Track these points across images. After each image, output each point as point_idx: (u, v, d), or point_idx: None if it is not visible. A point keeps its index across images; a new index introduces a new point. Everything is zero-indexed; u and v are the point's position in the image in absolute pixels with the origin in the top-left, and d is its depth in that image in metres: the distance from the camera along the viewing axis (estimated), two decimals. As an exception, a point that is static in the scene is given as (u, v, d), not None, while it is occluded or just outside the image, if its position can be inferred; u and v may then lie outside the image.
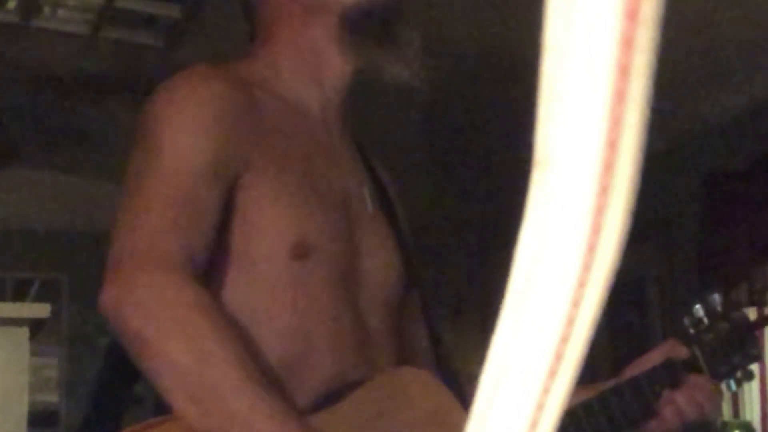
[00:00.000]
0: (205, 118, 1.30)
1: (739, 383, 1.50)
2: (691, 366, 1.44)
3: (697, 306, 1.49)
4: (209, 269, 1.27)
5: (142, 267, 1.20)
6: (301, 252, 1.31)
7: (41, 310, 2.53)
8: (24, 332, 2.45)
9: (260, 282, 1.31)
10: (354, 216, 1.40)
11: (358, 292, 1.38)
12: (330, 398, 1.29)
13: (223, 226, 1.29)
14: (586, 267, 0.30)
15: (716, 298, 1.50)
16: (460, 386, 1.41)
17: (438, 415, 1.34)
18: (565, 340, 0.30)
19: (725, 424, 3.05)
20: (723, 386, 1.50)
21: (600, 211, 0.29)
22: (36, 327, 2.51)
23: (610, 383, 1.41)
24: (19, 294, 5.37)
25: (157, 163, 1.27)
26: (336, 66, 1.42)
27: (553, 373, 0.31)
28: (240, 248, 1.30)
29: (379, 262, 1.41)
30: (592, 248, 0.29)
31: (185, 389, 1.16)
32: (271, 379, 1.23)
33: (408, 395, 1.33)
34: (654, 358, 1.43)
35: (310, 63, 1.42)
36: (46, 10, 3.47)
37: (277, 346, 1.29)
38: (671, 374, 1.41)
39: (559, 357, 0.30)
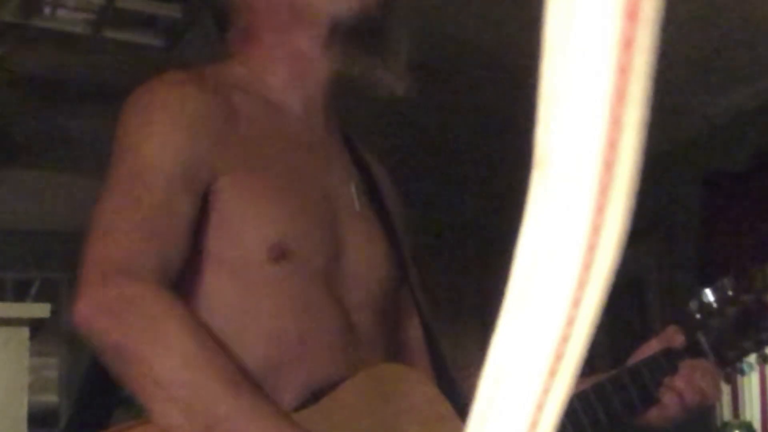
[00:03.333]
0: (175, 124, 1.29)
1: (751, 367, 1.47)
2: (694, 352, 1.41)
3: (707, 290, 1.45)
4: (187, 274, 1.26)
5: (115, 278, 1.19)
6: (279, 254, 1.30)
7: (41, 310, 2.53)
8: (24, 332, 2.45)
9: (239, 285, 1.30)
10: (339, 215, 1.39)
11: (344, 291, 1.37)
12: (315, 398, 1.29)
13: (201, 230, 1.28)
14: (586, 267, 0.30)
15: (727, 281, 1.46)
16: (455, 383, 1.41)
17: (420, 410, 1.33)
18: (565, 340, 0.30)
19: (725, 424, 3.04)
20: (736, 370, 1.47)
21: (600, 211, 0.29)
22: (36, 327, 2.51)
23: (609, 373, 1.40)
24: (19, 294, 5.36)
25: (129, 170, 1.26)
26: (321, 68, 1.41)
27: (553, 373, 0.31)
28: (218, 252, 1.30)
29: (366, 261, 1.40)
30: (592, 248, 0.29)
31: (167, 396, 1.15)
32: (253, 381, 1.23)
33: (389, 391, 1.33)
34: (653, 346, 1.42)
35: (294, 65, 1.41)
36: (46, 10, 3.47)
37: (258, 348, 1.29)
38: (671, 361, 1.40)
39: (559, 357, 0.30)
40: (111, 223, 1.24)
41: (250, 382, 1.20)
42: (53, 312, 2.53)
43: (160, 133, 1.28)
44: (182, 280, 1.25)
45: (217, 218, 1.29)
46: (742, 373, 1.48)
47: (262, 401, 1.18)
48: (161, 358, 1.15)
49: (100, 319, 1.17)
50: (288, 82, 1.41)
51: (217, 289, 1.30)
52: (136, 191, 1.25)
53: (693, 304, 1.45)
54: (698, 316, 1.44)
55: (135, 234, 1.22)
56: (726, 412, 3.67)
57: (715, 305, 1.44)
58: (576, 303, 0.30)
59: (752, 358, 1.48)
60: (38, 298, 5.23)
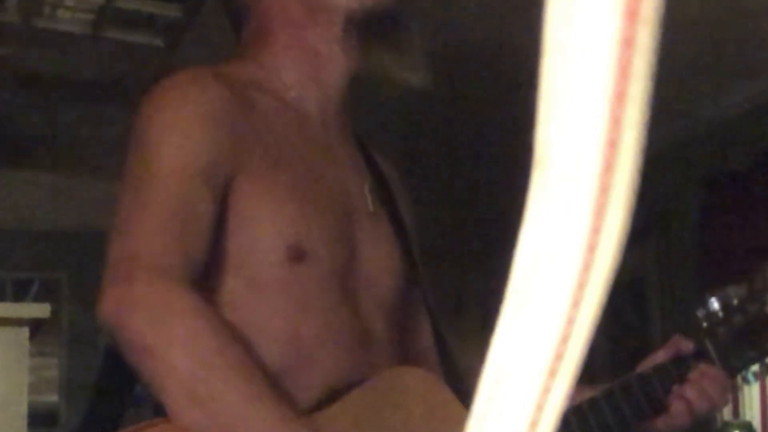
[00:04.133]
0: (195, 122, 1.29)
1: (757, 377, 1.47)
2: (702, 360, 1.41)
3: (713, 299, 1.46)
4: (205, 273, 1.26)
5: (140, 275, 1.19)
6: (297, 254, 1.30)
7: (41, 310, 2.53)
8: (24, 332, 2.45)
9: (256, 285, 1.30)
10: (353, 216, 1.39)
11: (358, 292, 1.37)
12: (330, 399, 1.29)
13: (218, 229, 1.28)
14: (586, 267, 0.30)
15: (732, 291, 1.46)
16: (464, 384, 1.41)
17: (436, 414, 1.33)
18: (565, 340, 0.30)
19: (725, 424, 3.04)
20: (740, 380, 1.48)
21: (600, 211, 0.29)
22: (36, 327, 2.51)
23: (618, 380, 1.41)
24: (19, 294, 5.36)
25: (151, 168, 1.26)
26: (337, 66, 1.41)
27: (553, 373, 0.31)
28: (235, 251, 1.29)
29: (379, 262, 1.40)
30: (592, 248, 0.29)
31: (188, 394, 1.15)
32: (271, 382, 1.23)
33: (406, 394, 1.33)
34: (662, 354, 1.42)
35: (310, 63, 1.40)
36: (46, 10, 3.47)
37: (275, 349, 1.28)
38: (679, 369, 1.40)
39: (559, 357, 0.30)
40: (135, 221, 1.24)
41: (270, 383, 1.20)
42: (53, 312, 2.53)
43: (181, 131, 1.28)
44: (202, 278, 1.25)
45: (235, 216, 1.29)
46: (748, 382, 1.48)
47: (281, 403, 1.18)
48: (183, 358, 1.15)
49: (125, 315, 1.18)
50: (303, 80, 1.40)
51: (235, 287, 1.30)
52: (159, 189, 1.24)
53: (700, 312, 1.46)
54: (705, 324, 1.45)
55: (160, 232, 1.22)
56: (726, 412, 3.67)
57: (721, 314, 1.45)
58: (576, 303, 0.30)
59: (755, 367, 1.48)
60: (38, 298, 5.24)
